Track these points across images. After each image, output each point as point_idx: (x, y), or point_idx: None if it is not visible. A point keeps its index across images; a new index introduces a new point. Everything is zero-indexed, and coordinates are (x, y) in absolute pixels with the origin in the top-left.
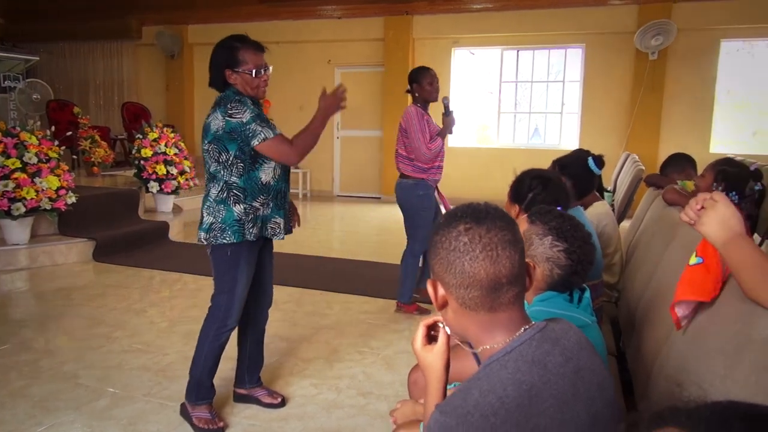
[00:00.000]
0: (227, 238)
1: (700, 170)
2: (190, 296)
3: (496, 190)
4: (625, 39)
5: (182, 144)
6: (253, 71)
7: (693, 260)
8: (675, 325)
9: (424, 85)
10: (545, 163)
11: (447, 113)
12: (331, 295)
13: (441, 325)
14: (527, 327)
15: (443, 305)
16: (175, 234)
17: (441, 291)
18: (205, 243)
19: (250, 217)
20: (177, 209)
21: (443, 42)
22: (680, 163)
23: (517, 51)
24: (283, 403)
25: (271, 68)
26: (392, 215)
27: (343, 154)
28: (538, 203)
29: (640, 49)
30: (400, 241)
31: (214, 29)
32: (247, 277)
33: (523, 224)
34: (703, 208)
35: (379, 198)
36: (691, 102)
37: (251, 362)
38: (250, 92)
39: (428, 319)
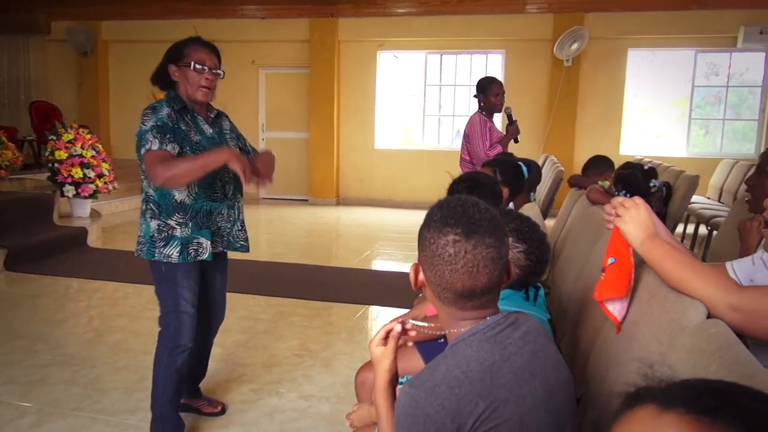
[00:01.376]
0: (143, 254)
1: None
2: (115, 305)
3: (421, 190)
4: (542, 46)
5: (99, 146)
6: (192, 63)
7: (608, 261)
8: (616, 329)
9: (489, 96)
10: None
11: (510, 122)
12: (264, 298)
13: (397, 328)
14: (492, 315)
15: (420, 287)
16: (93, 240)
17: (421, 276)
18: (136, 255)
19: (163, 235)
20: (95, 214)
21: (369, 45)
22: (600, 164)
23: (441, 55)
24: (223, 410)
25: (221, 72)
26: (320, 217)
27: None
28: None
29: (559, 56)
30: (329, 243)
31: (131, 26)
32: (191, 293)
33: None
34: (618, 215)
35: (307, 200)
36: (603, 106)
37: (193, 374)
38: (190, 92)
39: (389, 325)
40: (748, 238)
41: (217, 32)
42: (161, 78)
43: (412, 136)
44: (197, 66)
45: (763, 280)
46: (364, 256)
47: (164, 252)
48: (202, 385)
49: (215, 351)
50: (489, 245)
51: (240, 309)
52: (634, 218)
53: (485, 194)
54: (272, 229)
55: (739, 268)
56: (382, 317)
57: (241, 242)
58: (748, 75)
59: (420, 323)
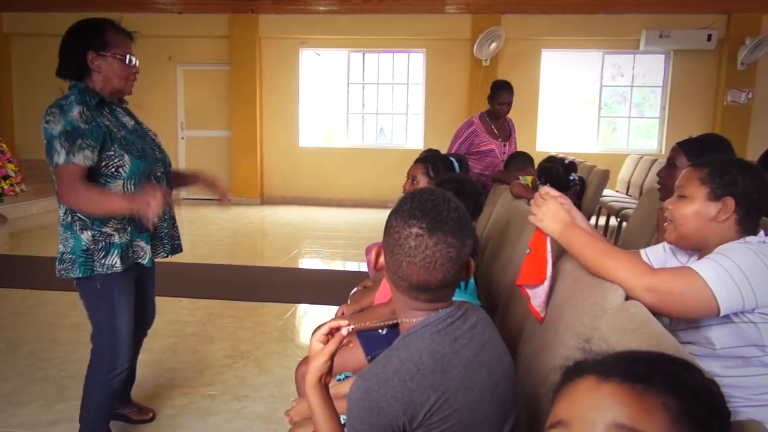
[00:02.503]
0: (75, 273)
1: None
2: (27, 313)
3: (346, 188)
4: (461, 45)
5: (4, 146)
6: (126, 57)
7: (526, 251)
8: (538, 320)
9: (494, 103)
10: (393, 162)
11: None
12: (191, 301)
13: (343, 332)
14: (442, 307)
15: (379, 270)
16: (0, 246)
17: (381, 259)
18: (58, 276)
19: (100, 245)
20: (1, 219)
21: (291, 42)
22: (521, 160)
23: (363, 53)
24: (153, 417)
25: (138, 63)
26: (245, 217)
27: (189, 155)
28: None
29: (478, 56)
30: (255, 243)
31: (35, 18)
32: (128, 307)
33: None
34: (533, 214)
35: (230, 200)
36: (520, 105)
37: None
38: (116, 84)
39: (334, 322)
40: (662, 225)
41: (132, 26)
42: (71, 66)
43: (336, 134)
44: (131, 59)
45: (673, 266)
46: (292, 255)
47: (106, 263)
48: (131, 392)
49: (143, 357)
50: (450, 245)
51: (166, 313)
52: (547, 214)
53: (468, 202)
54: (195, 230)
55: (653, 255)
56: (311, 315)
57: (177, 241)
58: (650, 76)
59: (366, 324)
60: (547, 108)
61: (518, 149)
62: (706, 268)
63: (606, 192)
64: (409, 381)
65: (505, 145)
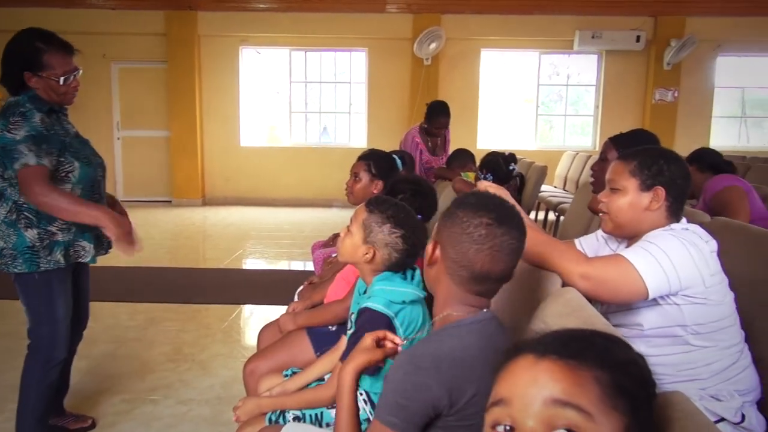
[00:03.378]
0: (18, 267)
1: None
2: None
3: (290, 188)
4: (402, 45)
5: None
6: (61, 78)
7: None
8: None
9: (431, 126)
10: (336, 161)
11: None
12: (131, 305)
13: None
14: (486, 307)
15: (432, 263)
16: None
17: (438, 253)
18: None
19: (45, 243)
20: None
21: (230, 40)
22: (463, 157)
23: (305, 52)
24: (93, 425)
25: (81, 71)
26: (186, 218)
27: (126, 156)
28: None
29: (418, 55)
30: (197, 244)
31: None
32: (65, 300)
33: (362, 213)
34: None
35: (170, 201)
36: (461, 103)
37: (56, 390)
38: (55, 98)
39: (390, 335)
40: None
41: (64, 23)
42: (13, 81)
43: (279, 133)
44: (68, 78)
45: (605, 254)
46: (236, 256)
47: (51, 259)
48: (68, 402)
49: (81, 364)
50: (514, 237)
51: (105, 318)
52: None
53: (424, 204)
54: None
55: (586, 244)
56: (257, 316)
57: (105, 246)
58: (584, 75)
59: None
60: (488, 106)
61: (465, 148)
62: (636, 255)
63: (544, 187)
64: (458, 368)
65: (441, 158)
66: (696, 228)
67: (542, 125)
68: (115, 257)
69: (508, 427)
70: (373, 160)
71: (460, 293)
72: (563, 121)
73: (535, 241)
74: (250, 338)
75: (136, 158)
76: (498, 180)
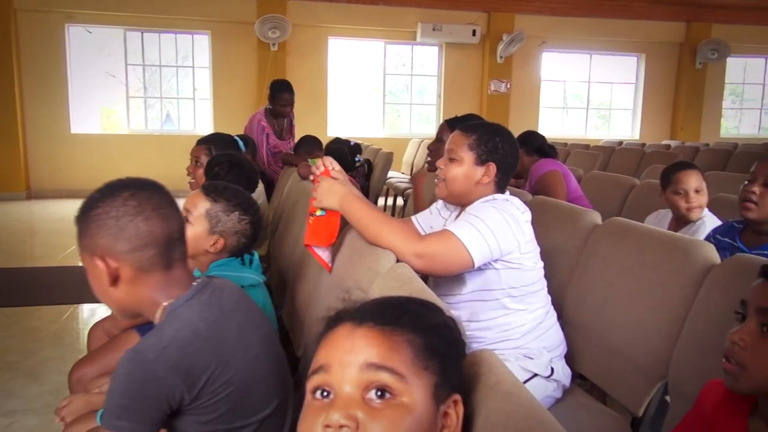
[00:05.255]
0: None
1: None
2: None
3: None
4: (247, 29)
5: None
6: None
7: (319, 212)
8: (326, 269)
9: (276, 104)
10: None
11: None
12: None
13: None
14: (195, 282)
15: (114, 281)
16: None
17: (113, 264)
18: None
19: None
20: None
21: (54, 16)
22: (310, 144)
23: (142, 33)
24: None
25: None
26: (8, 213)
27: None
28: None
29: (262, 39)
30: (22, 242)
31: None
32: None
33: (202, 203)
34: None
35: None
36: (310, 91)
37: None
38: None
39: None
40: (418, 189)
41: None
42: None
43: (116, 120)
44: None
45: (439, 226)
46: (68, 253)
47: None
48: None
49: None
50: (161, 192)
51: None
52: (323, 193)
53: (242, 177)
54: None
55: (422, 219)
56: (93, 315)
57: None
58: (428, 66)
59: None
60: (337, 95)
61: (312, 134)
62: (460, 228)
63: (392, 174)
64: (188, 347)
65: (289, 142)
66: (514, 199)
67: (391, 114)
68: None
69: (326, 393)
70: (213, 143)
71: (162, 278)
72: (409, 109)
73: (371, 219)
74: (84, 339)
75: None
76: (343, 168)
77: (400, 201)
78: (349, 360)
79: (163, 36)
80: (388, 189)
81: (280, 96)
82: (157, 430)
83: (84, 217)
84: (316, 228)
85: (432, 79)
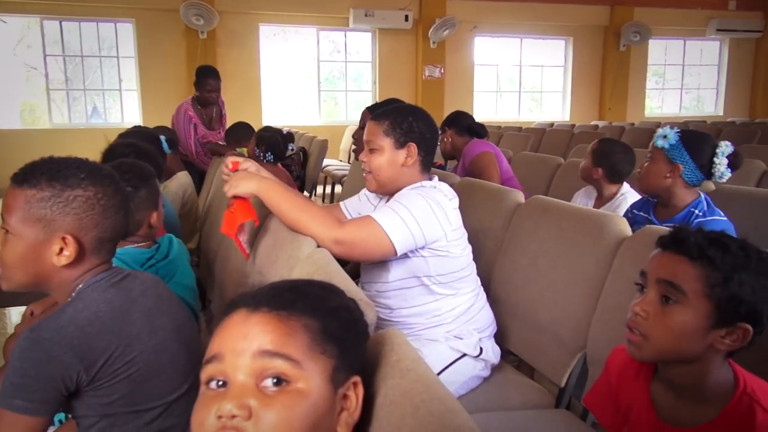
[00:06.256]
0: None
1: None
2: None
3: None
4: (173, 16)
5: None
6: None
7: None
8: (245, 257)
9: (202, 91)
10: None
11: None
12: None
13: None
14: (105, 270)
15: (61, 259)
16: None
17: (72, 246)
18: None
19: None
20: None
21: None
22: (239, 132)
23: (60, 21)
24: None
25: None
26: None
27: None
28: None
29: (189, 25)
30: None
31: None
32: None
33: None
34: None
35: None
36: (243, 80)
37: None
38: None
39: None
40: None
41: None
42: None
43: (38, 114)
44: None
45: (368, 212)
46: None
47: None
48: None
49: None
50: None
51: None
52: (237, 182)
53: (151, 162)
54: None
55: (350, 205)
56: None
57: None
58: (363, 52)
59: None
60: (271, 83)
61: (243, 121)
62: (383, 215)
63: (329, 161)
64: (87, 327)
65: (219, 132)
66: (443, 186)
67: (327, 101)
68: None
69: (221, 383)
70: (136, 138)
71: (93, 264)
72: (345, 96)
73: (290, 205)
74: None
75: None
76: (276, 157)
77: (338, 188)
78: (243, 347)
79: (84, 25)
80: (326, 177)
81: (204, 81)
82: (54, 410)
83: (56, 191)
84: (234, 216)
85: (367, 66)
